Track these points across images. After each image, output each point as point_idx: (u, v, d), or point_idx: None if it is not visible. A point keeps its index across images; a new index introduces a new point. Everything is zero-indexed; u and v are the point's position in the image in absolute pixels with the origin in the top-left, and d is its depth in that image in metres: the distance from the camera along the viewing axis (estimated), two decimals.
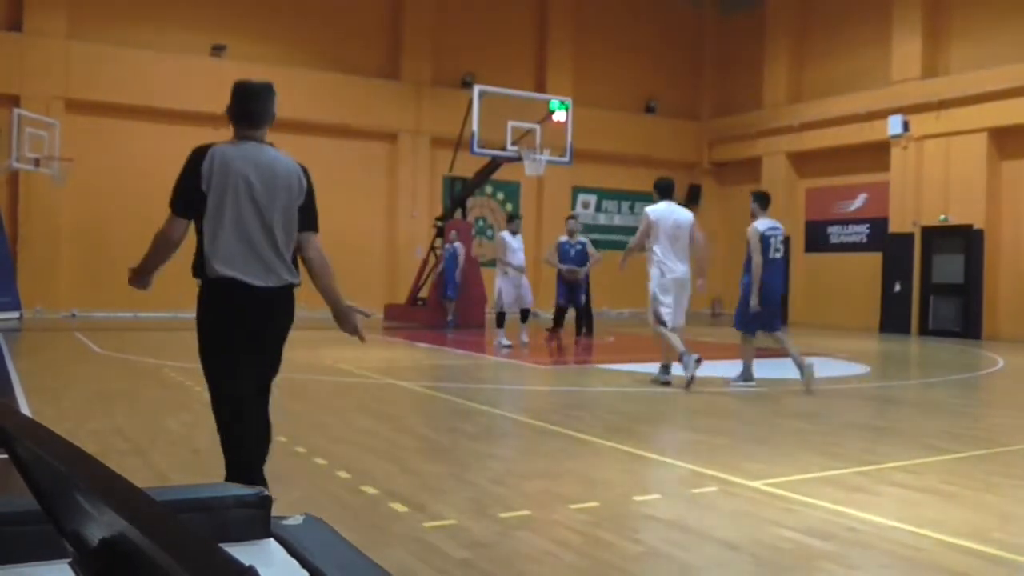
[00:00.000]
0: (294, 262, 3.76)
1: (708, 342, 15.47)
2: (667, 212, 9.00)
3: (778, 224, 9.27)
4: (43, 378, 8.56)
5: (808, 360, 8.85)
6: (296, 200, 3.74)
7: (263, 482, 3.64)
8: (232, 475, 3.70)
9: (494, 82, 17.45)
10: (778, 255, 9.19)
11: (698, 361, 8.63)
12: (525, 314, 13.06)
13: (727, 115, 23.59)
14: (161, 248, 3.65)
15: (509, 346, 12.38)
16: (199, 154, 3.66)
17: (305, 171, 3.86)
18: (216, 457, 5.47)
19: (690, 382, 8.58)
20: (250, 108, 3.85)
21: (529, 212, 21.92)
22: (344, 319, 3.85)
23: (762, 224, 9.11)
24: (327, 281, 3.83)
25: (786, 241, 9.48)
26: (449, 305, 16.61)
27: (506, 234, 12.98)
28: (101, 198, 17.08)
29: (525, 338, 13.08)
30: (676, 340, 8.91)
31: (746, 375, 9.17)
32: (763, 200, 9.37)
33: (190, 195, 3.59)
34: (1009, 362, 12.83)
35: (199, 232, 3.62)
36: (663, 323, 8.98)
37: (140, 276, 3.71)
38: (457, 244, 16.52)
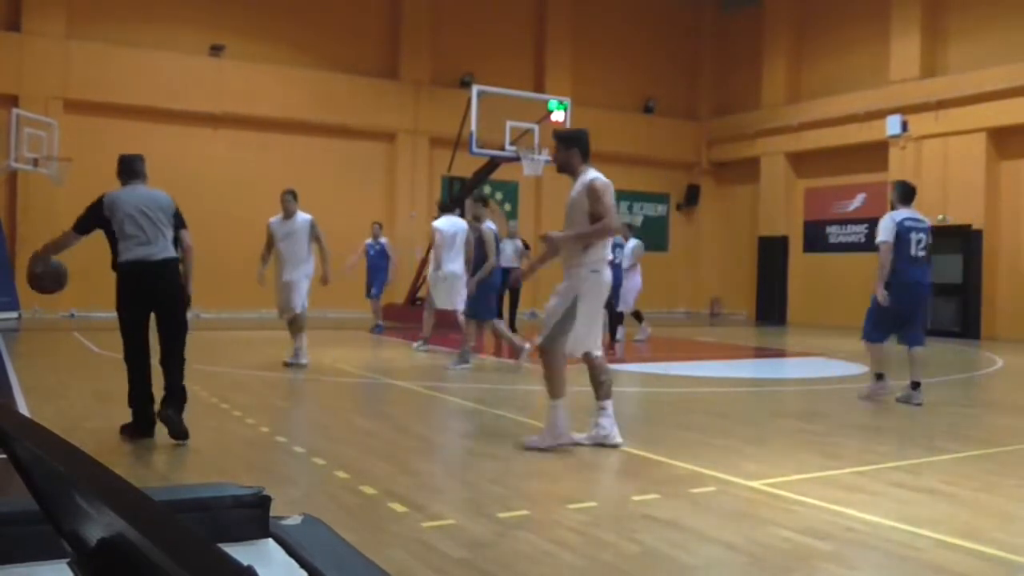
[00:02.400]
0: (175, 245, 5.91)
1: (707, 342, 15.47)
2: (448, 224, 11.25)
3: (493, 223, 10.88)
4: (42, 378, 8.56)
5: (473, 360, 10.53)
6: (169, 210, 5.87)
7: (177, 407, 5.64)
8: (134, 402, 5.75)
9: (493, 82, 17.44)
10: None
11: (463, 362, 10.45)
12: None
13: (726, 115, 23.59)
14: (61, 243, 5.82)
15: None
16: (99, 199, 5.81)
17: (171, 199, 5.98)
18: (215, 457, 5.48)
19: (455, 364, 10.40)
20: (127, 169, 5.95)
21: (528, 212, 21.91)
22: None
23: (491, 224, 10.72)
24: (188, 262, 6.04)
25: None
26: (375, 305, 15.53)
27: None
28: None
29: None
30: (429, 323, 11.99)
31: (464, 358, 10.32)
32: (482, 201, 11.28)
33: (90, 223, 5.78)
34: (1008, 362, 12.84)
35: (111, 243, 5.74)
36: (433, 307, 11.60)
37: (41, 258, 5.79)
38: (384, 240, 15.62)
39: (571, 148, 5.87)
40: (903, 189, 8.31)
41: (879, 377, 8.22)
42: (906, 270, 7.93)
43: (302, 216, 9.99)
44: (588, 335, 5.76)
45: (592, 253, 5.70)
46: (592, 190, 5.67)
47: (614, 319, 13.18)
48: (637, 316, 14.60)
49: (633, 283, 14.14)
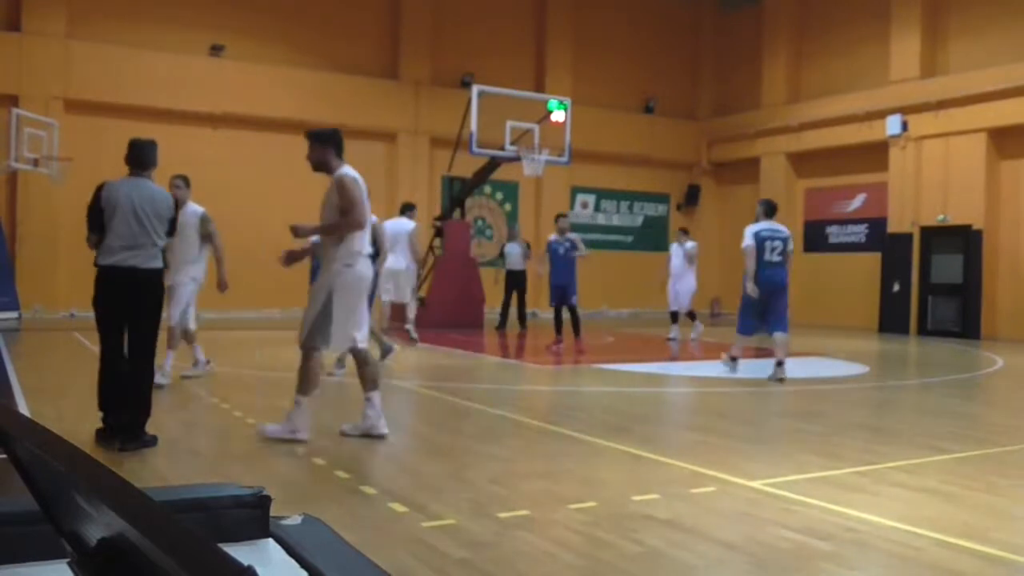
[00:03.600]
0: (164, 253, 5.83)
1: (707, 342, 15.46)
2: (393, 224, 11.57)
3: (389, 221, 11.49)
4: (42, 378, 8.56)
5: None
6: (166, 216, 5.74)
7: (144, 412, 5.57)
8: (104, 403, 5.61)
9: (493, 82, 17.43)
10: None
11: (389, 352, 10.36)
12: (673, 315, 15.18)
13: (726, 115, 23.58)
14: (96, 247, 5.66)
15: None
16: (98, 189, 5.69)
17: (175, 199, 6.03)
18: (215, 457, 5.48)
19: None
20: (136, 156, 5.77)
21: (528, 212, 21.90)
22: None
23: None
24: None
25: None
26: None
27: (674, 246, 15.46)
28: None
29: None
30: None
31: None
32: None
33: (98, 217, 5.61)
34: (1008, 362, 12.84)
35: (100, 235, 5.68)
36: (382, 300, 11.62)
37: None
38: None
39: (326, 146, 5.93)
40: (767, 206, 10.25)
41: (733, 359, 10.31)
42: (760, 271, 9.85)
43: (192, 207, 8.45)
44: (349, 328, 5.87)
45: (344, 248, 5.79)
46: (339, 185, 5.78)
47: (575, 317, 13.22)
48: (691, 315, 15.09)
49: (688, 284, 14.89)
